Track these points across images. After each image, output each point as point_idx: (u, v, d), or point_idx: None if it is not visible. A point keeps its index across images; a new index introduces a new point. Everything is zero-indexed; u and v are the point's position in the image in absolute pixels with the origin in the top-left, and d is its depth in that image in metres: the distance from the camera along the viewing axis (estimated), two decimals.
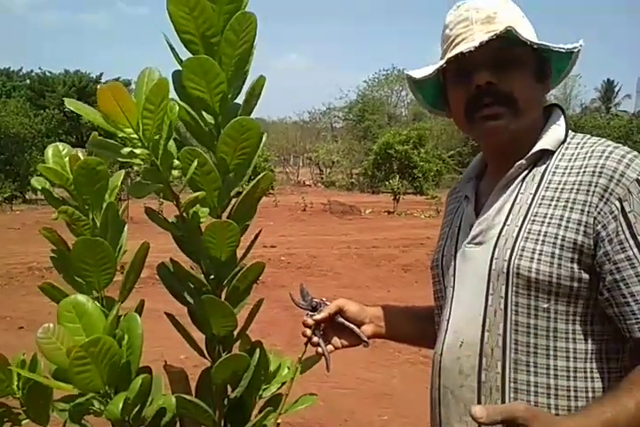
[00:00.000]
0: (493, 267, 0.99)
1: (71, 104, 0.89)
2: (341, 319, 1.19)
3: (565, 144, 1.03)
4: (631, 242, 0.91)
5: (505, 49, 0.98)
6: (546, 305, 0.94)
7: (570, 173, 0.98)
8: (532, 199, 0.99)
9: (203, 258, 1.02)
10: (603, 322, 0.95)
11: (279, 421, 1.09)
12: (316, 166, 33.49)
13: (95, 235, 0.98)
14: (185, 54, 0.92)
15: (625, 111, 40.81)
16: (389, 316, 1.25)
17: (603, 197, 0.93)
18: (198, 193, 0.93)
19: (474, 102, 1.01)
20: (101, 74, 32.48)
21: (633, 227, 0.91)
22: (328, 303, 1.20)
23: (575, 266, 0.93)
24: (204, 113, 0.99)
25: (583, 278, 0.93)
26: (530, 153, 1.02)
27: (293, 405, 1.11)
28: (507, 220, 1.01)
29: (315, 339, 1.17)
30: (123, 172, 1.06)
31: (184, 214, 0.98)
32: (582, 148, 1.01)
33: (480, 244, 1.04)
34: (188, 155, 0.93)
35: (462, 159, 28.19)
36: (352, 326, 1.19)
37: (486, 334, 0.98)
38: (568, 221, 0.94)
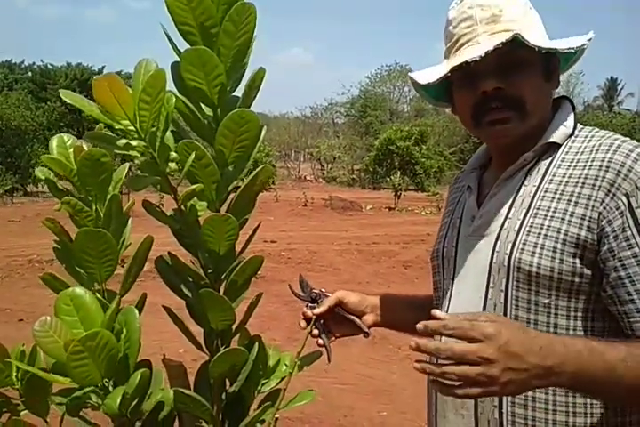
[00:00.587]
0: (494, 260, 0.98)
1: (67, 96, 0.88)
2: (342, 311, 1.19)
3: (573, 137, 1.01)
4: (638, 239, 0.89)
5: (511, 52, 0.95)
6: (546, 300, 0.93)
7: (576, 166, 0.96)
8: (536, 192, 0.98)
9: (201, 252, 1.01)
10: (604, 319, 0.93)
11: (277, 416, 1.09)
12: (317, 162, 33.45)
13: (98, 226, 0.97)
14: (184, 46, 0.91)
15: (628, 109, 40.74)
16: (390, 305, 1.24)
17: (609, 191, 0.91)
18: (196, 186, 0.92)
19: (481, 106, 0.99)
20: (103, 67, 32.38)
21: None
22: (328, 294, 1.20)
23: (577, 261, 0.92)
24: (202, 105, 0.98)
25: (585, 274, 0.92)
26: (536, 146, 1.01)
27: (292, 400, 1.11)
28: (509, 212, 1.00)
29: (315, 331, 1.17)
30: (127, 165, 1.05)
31: (182, 207, 0.98)
32: (590, 141, 0.99)
33: (482, 236, 1.02)
34: (185, 147, 0.92)
35: (464, 156, 28.12)
36: (353, 317, 1.19)
37: None
38: (572, 216, 0.93)
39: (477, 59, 0.94)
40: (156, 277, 1.09)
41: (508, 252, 0.96)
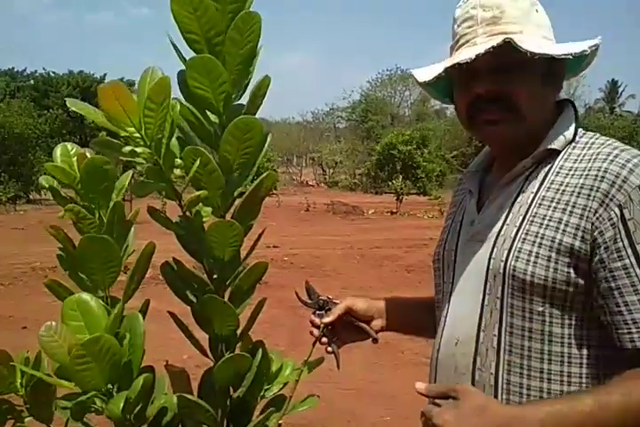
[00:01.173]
0: (491, 267, 0.98)
1: (73, 104, 0.89)
2: (351, 318, 1.19)
3: (573, 143, 1.01)
4: (629, 250, 0.89)
5: (507, 54, 0.94)
6: (541, 308, 0.93)
7: (573, 174, 0.96)
8: (533, 199, 0.98)
9: (206, 258, 1.02)
10: (599, 328, 0.93)
11: (281, 421, 1.09)
12: (319, 167, 33.53)
13: (101, 233, 0.98)
14: (190, 54, 0.92)
15: (629, 112, 40.74)
16: (396, 308, 1.25)
17: (603, 202, 0.90)
18: (200, 192, 0.92)
19: (475, 106, 1.00)
20: (105, 74, 32.58)
21: (632, 235, 0.89)
22: (335, 301, 1.20)
23: (571, 271, 0.91)
24: (207, 112, 0.99)
25: (579, 284, 0.92)
26: (536, 151, 1.01)
27: (296, 406, 1.11)
28: (506, 219, 1.00)
29: (324, 339, 1.18)
30: (130, 172, 1.06)
31: (187, 214, 0.98)
32: (589, 148, 0.98)
33: (480, 242, 1.02)
34: (191, 154, 0.92)
35: (466, 160, 28.12)
36: (362, 324, 1.20)
37: (482, 333, 0.98)
38: (566, 225, 0.92)
39: (468, 61, 0.94)
40: (159, 284, 1.09)
41: (504, 259, 0.96)
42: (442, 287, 1.12)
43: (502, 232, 0.99)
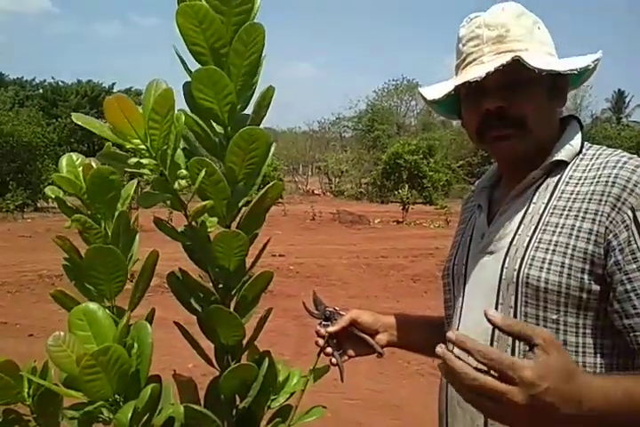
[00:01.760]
0: (503, 276, 0.98)
1: (78, 119, 0.90)
2: (355, 330, 1.19)
3: (580, 155, 1.03)
4: None
5: (515, 72, 0.97)
6: (555, 316, 0.93)
7: (583, 183, 0.98)
8: (545, 209, 0.99)
9: (211, 267, 1.02)
10: (612, 336, 0.93)
11: None
12: (325, 176, 33.54)
13: (107, 243, 0.99)
14: (195, 65, 0.93)
15: (636, 122, 40.58)
16: (403, 324, 1.25)
17: (615, 206, 0.92)
18: (206, 202, 0.93)
19: (485, 123, 1.02)
20: (114, 84, 32.90)
21: None
22: (342, 313, 1.20)
23: (585, 276, 0.92)
24: (213, 123, 1.00)
25: (593, 290, 0.92)
26: (544, 163, 1.02)
27: (302, 416, 1.10)
28: (518, 229, 1.01)
29: (328, 349, 1.17)
30: (135, 181, 1.07)
31: (193, 223, 0.99)
32: (597, 159, 1.00)
33: (491, 253, 1.03)
34: (197, 164, 0.93)
35: (472, 169, 28.14)
36: (366, 337, 1.19)
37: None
38: (579, 231, 0.93)
39: (478, 79, 0.97)
40: (165, 292, 1.10)
41: (517, 267, 0.96)
42: (452, 302, 1.12)
43: (514, 242, 0.99)
